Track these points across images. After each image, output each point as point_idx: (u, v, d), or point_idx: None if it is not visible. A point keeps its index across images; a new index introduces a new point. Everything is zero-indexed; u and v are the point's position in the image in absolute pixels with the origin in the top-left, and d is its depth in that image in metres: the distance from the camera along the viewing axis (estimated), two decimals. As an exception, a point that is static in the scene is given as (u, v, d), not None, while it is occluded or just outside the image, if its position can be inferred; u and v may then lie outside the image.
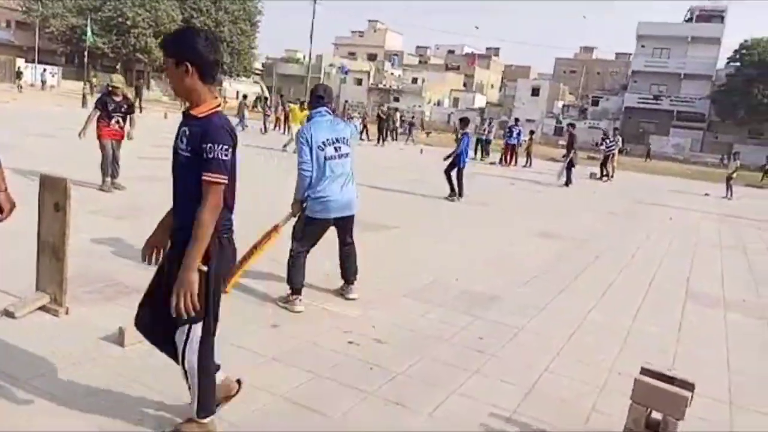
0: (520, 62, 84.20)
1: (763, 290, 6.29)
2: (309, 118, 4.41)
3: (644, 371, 2.64)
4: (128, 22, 48.27)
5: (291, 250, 4.24)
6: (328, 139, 4.15)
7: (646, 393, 2.49)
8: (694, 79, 50.82)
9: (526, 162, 22.02)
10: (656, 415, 2.54)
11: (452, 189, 10.69)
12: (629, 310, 5.03)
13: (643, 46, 53.50)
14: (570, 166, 16.30)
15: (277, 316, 3.99)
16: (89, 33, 40.10)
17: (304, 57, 64.83)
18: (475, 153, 22.65)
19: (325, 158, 4.12)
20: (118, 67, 52.14)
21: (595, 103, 57.02)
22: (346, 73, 65.80)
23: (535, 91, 58.42)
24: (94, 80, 45.80)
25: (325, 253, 4.68)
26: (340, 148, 4.20)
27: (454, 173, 10.81)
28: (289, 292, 4.23)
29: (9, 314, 3.47)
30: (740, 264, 7.70)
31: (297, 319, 3.97)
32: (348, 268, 4.61)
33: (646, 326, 4.65)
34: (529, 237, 8.02)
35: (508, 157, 21.79)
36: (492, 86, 77.82)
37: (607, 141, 20.06)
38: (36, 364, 2.96)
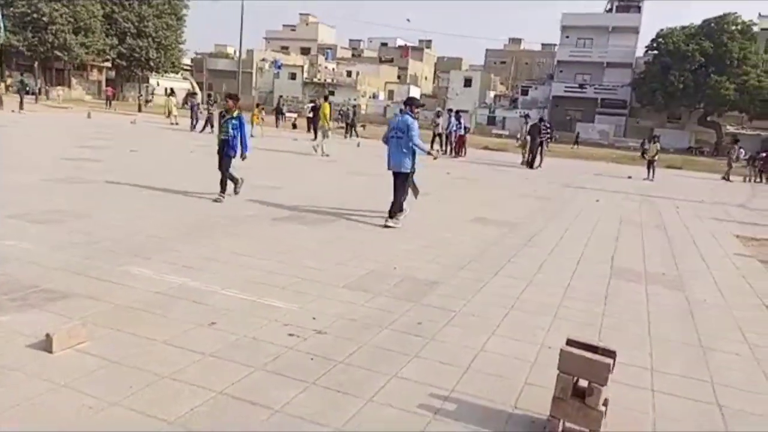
0: (452, 54, 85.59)
1: (680, 263, 6.72)
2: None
3: (570, 342, 2.79)
4: (45, 18, 45.68)
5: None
6: (394, 129, 7.63)
7: (571, 362, 2.63)
8: (616, 68, 53.23)
9: (461, 151, 22.40)
10: (583, 383, 2.69)
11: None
12: (559, 288, 5.27)
13: (567, 37, 55.52)
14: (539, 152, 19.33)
15: (214, 314, 3.94)
16: (1, 29, 37.63)
17: (234, 52, 63.42)
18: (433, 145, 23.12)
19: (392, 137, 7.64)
20: (35, 65, 49.34)
21: (525, 92, 58.77)
22: (279, 67, 64.88)
23: (468, 82, 59.57)
24: (9, 80, 43.22)
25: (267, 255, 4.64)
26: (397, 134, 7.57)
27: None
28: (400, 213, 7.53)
29: (-77, 328, 3.27)
30: (660, 240, 8.18)
31: (235, 316, 3.94)
32: (391, 205, 7.64)
33: (575, 302, 4.89)
34: (465, 223, 8.22)
35: (458, 148, 22.08)
36: (426, 78, 78.77)
37: (543, 129, 20.73)
38: (-44, 378, 2.81)
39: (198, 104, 24.75)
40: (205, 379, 3.02)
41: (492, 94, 61.54)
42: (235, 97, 8.57)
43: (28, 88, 43.71)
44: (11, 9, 44.74)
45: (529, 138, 20.13)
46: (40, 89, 43.48)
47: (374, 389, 3.06)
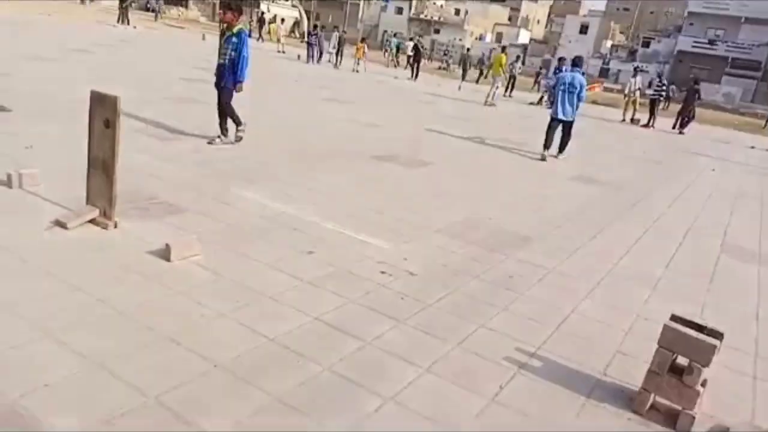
0: (570, -4, 79.97)
1: (802, 248, 6.17)
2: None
3: (674, 318, 2.67)
4: (168, -62, 47.10)
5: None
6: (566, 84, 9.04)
7: (673, 339, 2.53)
8: (755, 24, 47.76)
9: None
10: (682, 361, 2.59)
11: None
12: (662, 258, 5.01)
13: (703, -15, 50.21)
14: (689, 117, 17.94)
15: (312, 243, 4.11)
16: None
17: (344, -19, 62.77)
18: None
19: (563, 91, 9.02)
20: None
21: (646, 44, 54.36)
22: (388, 1, 63.69)
23: (584, 29, 55.90)
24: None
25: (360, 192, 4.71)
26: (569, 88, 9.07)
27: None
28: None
29: (61, 225, 3.65)
30: (782, 220, 7.51)
31: (332, 248, 4.08)
32: (561, 145, 9.33)
33: (678, 276, 4.65)
34: (566, 180, 7.93)
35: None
36: (538, 22, 74.60)
37: (655, 85, 19.24)
38: (90, 272, 3.15)
39: (319, 35, 24.87)
40: (303, 303, 3.19)
41: (609, 43, 57.44)
42: (237, 8, 6.47)
43: (149, 6, 45.87)
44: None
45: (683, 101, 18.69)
46: (159, 7, 45.37)
47: (461, 336, 3.11)
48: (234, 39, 6.43)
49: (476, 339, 3.11)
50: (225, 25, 6.53)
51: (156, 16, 40.24)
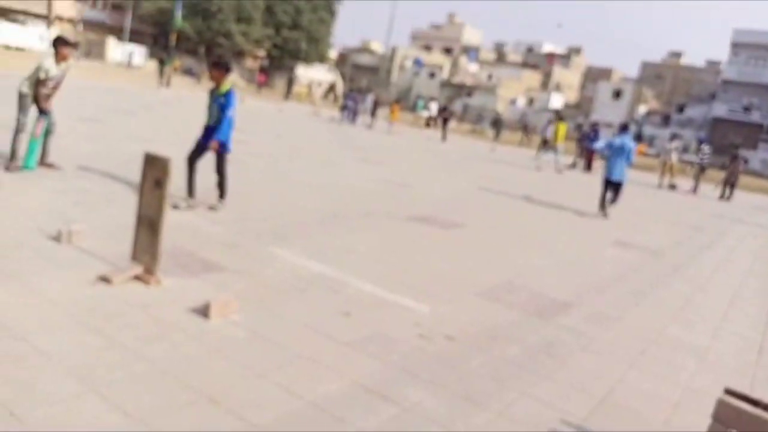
0: (602, 63, 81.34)
1: None
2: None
3: (728, 392, 2.55)
4: (213, 8, 50.08)
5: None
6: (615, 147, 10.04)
7: (729, 413, 2.41)
8: (791, 91, 47.48)
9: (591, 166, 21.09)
10: (738, 439, 2.45)
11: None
12: (707, 327, 4.83)
13: (736, 54, 50.46)
14: (733, 185, 17.60)
15: (348, 304, 4.10)
16: (178, 16, 41.78)
17: (378, 48, 65.20)
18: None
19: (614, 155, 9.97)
20: (201, 50, 54.14)
21: (680, 110, 54.33)
22: (421, 66, 65.66)
23: (617, 95, 56.31)
24: (177, 63, 47.86)
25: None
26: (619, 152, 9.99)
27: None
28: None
29: (106, 280, 3.73)
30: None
31: (368, 309, 4.06)
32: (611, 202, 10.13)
33: (725, 346, 4.46)
34: (605, 245, 7.81)
35: (592, 163, 20.97)
36: (570, 87, 75.60)
37: (704, 151, 19.05)
38: (133, 328, 3.19)
39: (354, 97, 25.82)
40: (340, 366, 3.15)
41: (643, 109, 57.61)
42: (224, 65, 6.00)
43: (192, 70, 48.20)
44: (187, -1, 49.38)
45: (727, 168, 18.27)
46: (200, 72, 47.67)
47: (503, 404, 3.01)
48: (221, 99, 5.97)
49: (518, 408, 3.00)
50: (214, 84, 6.05)
51: (198, 80, 42.25)
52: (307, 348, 3.30)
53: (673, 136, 20.18)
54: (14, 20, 48.09)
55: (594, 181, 17.36)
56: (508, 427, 2.81)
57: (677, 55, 74.13)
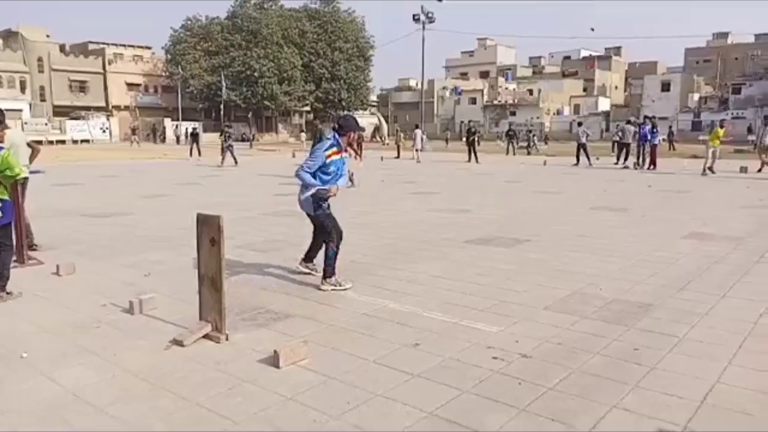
0: (644, 59, 79.17)
1: None
2: None
3: None
4: (255, 74, 52.40)
5: None
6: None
7: None
8: None
9: (644, 164, 20.17)
10: None
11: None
12: (811, 312, 4.43)
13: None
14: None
15: (417, 335, 4.01)
16: (224, 88, 44.02)
17: (416, 83, 66.04)
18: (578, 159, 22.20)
19: None
20: (249, 115, 56.53)
21: (737, 90, 51.94)
22: (460, 94, 65.99)
23: (665, 86, 54.53)
24: (228, 130, 50.08)
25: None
26: None
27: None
28: None
29: (178, 343, 3.82)
30: None
31: (438, 338, 3.96)
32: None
33: (836, 329, 4.06)
34: (677, 239, 7.40)
35: (644, 159, 20.08)
36: (616, 87, 73.86)
37: None
38: (206, 386, 3.22)
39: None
40: (416, 398, 3.06)
41: (696, 96, 55.41)
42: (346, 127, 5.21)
43: (244, 136, 50.13)
44: (229, 69, 52.07)
45: None
46: (253, 136, 49.63)
47: (592, 420, 2.82)
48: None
49: (611, 422, 2.81)
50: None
51: (250, 144, 43.95)
52: (379, 384, 3.23)
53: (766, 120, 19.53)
54: (77, 117, 51.93)
55: (666, 177, 16.69)
56: (601, 443, 2.62)
57: (723, 35, 71.32)
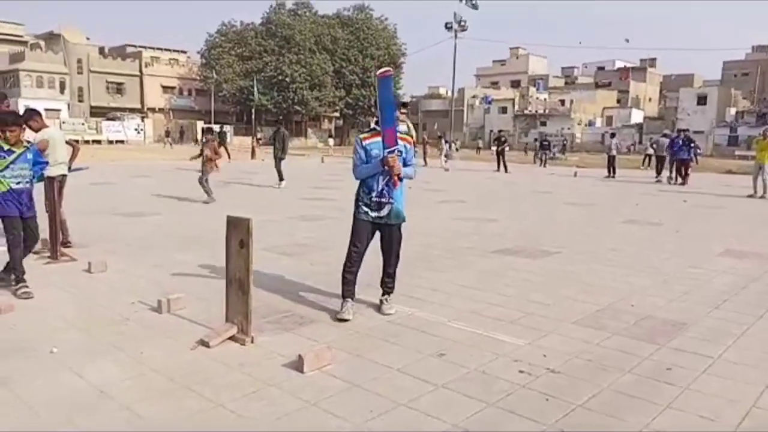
0: (680, 71, 77.70)
1: None
2: None
3: None
4: (287, 79, 52.96)
5: None
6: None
7: None
8: None
9: (676, 178, 19.56)
10: None
11: None
12: None
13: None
14: None
15: (442, 345, 3.96)
16: (256, 92, 44.52)
17: (446, 92, 65.90)
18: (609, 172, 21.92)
19: None
20: (280, 120, 57.06)
21: (776, 105, 50.48)
22: (490, 103, 65.59)
23: (702, 100, 53.31)
24: (259, 134, 50.58)
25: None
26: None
27: None
28: None
29: (204, 344, 3.84)
30: None
31: (463, 348, 3.91)
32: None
33: None
34: (713, 256, 7.19)
35: (679, 174, 19.52)
36: (650, 99, 72.60)
37: None
38: (230, 388, 3.22)
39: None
40: (439, 410, 3.01)
41: (733, 111, 54.06)
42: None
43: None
44: (261, 74, 52.74)
45: None
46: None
47: (622, 440, 2.74)
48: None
49: (640, 443, 2.72)
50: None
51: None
52: (403, 394, 3.19)
53: None
54: (113, 118, 53.15)
55: (700, 193, 16.28)
56: (631, 465, 2.54)
57: (763, 48, 69.56)
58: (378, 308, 4.72)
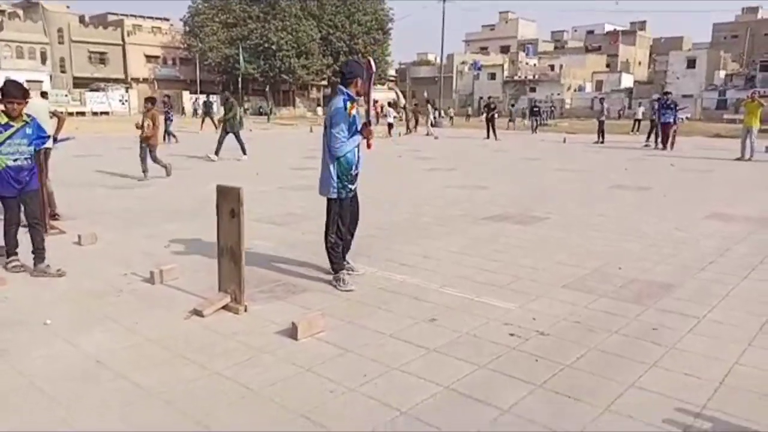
0: (671, 34, 77.15)
1: None
2: None
3: None
4: (273, 47, 52.00)
5: None
6: None
7: None
8: None
9: (657, 143, 19.42)
10: None
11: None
12: (835, 295, 4.35)
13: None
14: None
15: (434, 310, 4.02)
16: (242, 61, 43.75)
17: (435, 58, 65.17)
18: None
19: None
20: (267, 89, 56.29)
21: (765, 68, 50.47)
22: (479, 69, 64.97)
23: (691, 63, 53.17)
24: (246, 105, 49.83)
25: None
26: None
27: None
28: None
29: (198, 313, 3.87)
30: None
31: (454, 313, 3.97)
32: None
33: None
34: (699, 219, 7.28)
35: (665, 139, 19.50)
36: (639, 63, 72.26)
37: None
38: (225, 356, 3.27)
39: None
40: (432, 373, 3.07)
41: (722, 74, 53.98)
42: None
43: (261, 110, 50.05)
44: (247, 42, 51.74)
45: None
46: (271, 109, 49.51)
47: (609, 398, 2.82)
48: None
49: (627, 400, 2.80)
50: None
51: (268, 118, 43.85)
52: (396, 358, 3.25)
53: None
54: (96, 89, 52.18)
55: (688, 157, 16.37)
56: (618, 422, 2.61)
57: (753, 10, 69.12)
58: (351, 270, 4.84)
